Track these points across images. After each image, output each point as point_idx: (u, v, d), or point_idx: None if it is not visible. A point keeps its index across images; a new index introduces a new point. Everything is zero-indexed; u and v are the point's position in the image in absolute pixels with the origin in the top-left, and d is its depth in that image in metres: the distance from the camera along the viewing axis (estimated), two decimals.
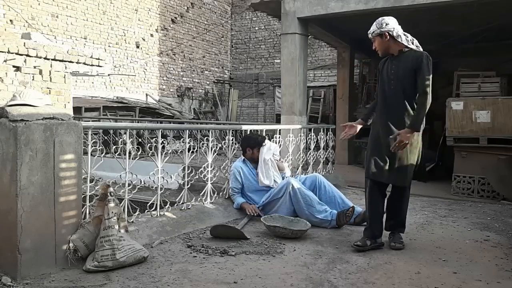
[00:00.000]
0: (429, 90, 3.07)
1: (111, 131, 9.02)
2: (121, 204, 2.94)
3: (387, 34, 3.18)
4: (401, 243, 3.26)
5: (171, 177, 3.68)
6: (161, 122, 10.70)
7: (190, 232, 3.53)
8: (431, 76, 3.09)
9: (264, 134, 4.81)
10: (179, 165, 4.17)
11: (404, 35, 3.21)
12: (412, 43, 3.23)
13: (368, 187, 3.32)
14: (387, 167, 3.18)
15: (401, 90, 3.17)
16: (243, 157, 4.30)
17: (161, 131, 3.70)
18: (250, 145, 4.22)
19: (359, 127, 3.59)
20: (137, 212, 3.38)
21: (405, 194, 3.34)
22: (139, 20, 12.90)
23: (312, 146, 6.01)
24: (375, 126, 3.38)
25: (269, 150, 4.23)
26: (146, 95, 13.10)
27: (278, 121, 9.98)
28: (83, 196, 2.87)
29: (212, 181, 4.10)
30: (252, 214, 3.96)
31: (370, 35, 3.28)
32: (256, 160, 4.22)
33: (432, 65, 3.15)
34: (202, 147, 4.15)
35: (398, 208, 3.36)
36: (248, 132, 4.65)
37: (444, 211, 4.65)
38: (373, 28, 3.22)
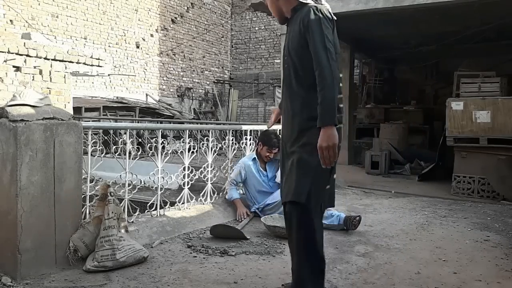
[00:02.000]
0: (326, 58, 1.99)
1: (111, 131, 9.03)
2: (121, 204, 2.94)
3: None
4: None
5: (171, 177, 3.68)
6: (161, 122, 10.71)
7: (190, 232, 3.53)
8: (326, 36, 2.01)
9: None
10: (179, 165, 4.17)
11: None
12: None
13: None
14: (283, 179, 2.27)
15: (292, 70, 2.17)
16: (254, 155, 4.27)
17: (161, 131, 3.70)
18: (263, 141, 4.16)
19: (277, 116, 2.74)
20: (137, 212, 3.38)
21: (296, 225, 2.12)
22: (139, 20, 12.90)
23: None
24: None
25: None
26: (146, 95, 13.10)
27: (278, 121, 9.98)
28: (83, 196, 2.87)
29: (212, 181, 4.09)
30: (239, 219, 3.92)
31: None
32: (262, 158, 4.20)
33: (330, 22, 2.07)
34: (202, 147, 4.15)
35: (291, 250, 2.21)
36: (257, 131, 4.65)
37: (444, 211, 4.65)
38: None
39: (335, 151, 1.99)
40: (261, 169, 4.20)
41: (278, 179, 4.04)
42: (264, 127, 5.08)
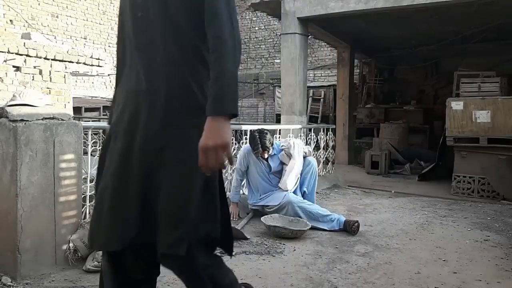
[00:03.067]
0: (227, 10, 1.30)
1: None
2: None
3: None
4: None
5: None
6: None
7: None
8: None
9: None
10: None
11: None
12: None
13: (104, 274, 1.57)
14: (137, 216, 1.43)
15: (160, 16, 1.39)
16: None
17: None
18: (252, 147, 4.09)
19: None
20: None
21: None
22: None
23: (312, 146, 6.02)
24: (111, 127, 1.56)
25: (299, 152, 4.07)
26: None
27: (278, 121, 9.98)
28: (83, 196, 2.87)
29: None
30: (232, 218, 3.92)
31: None
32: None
33: None
34: None
35: None
36: (249, 132, 4.57)
37: (444, 211, 4.65)
38: None
39: (218, 154, 1.25)
40: (262, 161, 4.13)
41: (280, 184, 4.03)
42: (263, 127, 5.05)
